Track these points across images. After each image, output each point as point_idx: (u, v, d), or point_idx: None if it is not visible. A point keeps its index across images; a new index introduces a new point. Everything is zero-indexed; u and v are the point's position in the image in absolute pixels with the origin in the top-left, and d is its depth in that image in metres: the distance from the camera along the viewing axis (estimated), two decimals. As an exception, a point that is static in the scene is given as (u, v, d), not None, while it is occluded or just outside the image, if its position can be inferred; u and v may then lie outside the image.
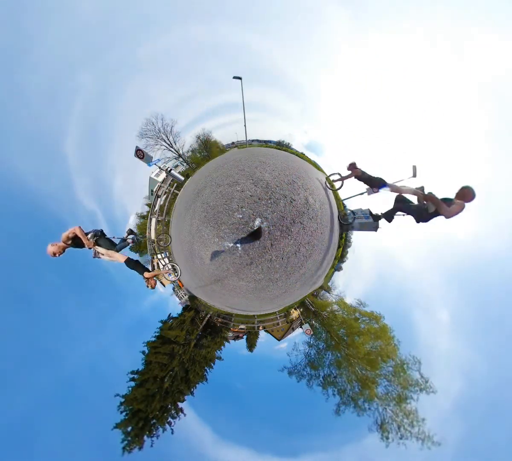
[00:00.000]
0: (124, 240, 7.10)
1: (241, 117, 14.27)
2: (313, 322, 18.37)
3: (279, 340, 25.53)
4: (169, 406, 15.43)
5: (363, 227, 13.23)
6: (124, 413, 14.50)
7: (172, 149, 22.49)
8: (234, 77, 12.94)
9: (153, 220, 17.05)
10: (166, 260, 17.31)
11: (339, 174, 8.89)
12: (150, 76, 40.08)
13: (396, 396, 15.14)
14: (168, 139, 22.15)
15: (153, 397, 14.68)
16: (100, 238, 5.46)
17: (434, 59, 34.38)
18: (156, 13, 37.28)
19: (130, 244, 7.20)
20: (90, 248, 5.08)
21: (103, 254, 5.12)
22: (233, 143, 23.28)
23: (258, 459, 24.59)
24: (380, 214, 6.95)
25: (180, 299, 22.22)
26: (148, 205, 24.78)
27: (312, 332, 17.12)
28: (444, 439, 14.30)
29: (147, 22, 36.87)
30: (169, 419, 15.37)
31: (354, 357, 16.05)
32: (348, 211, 10.98)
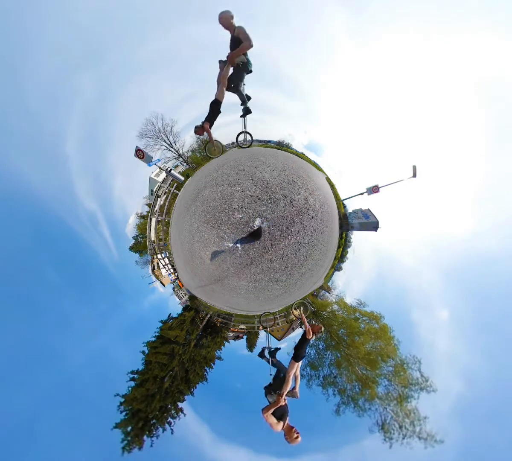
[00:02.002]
0: (243, 96, 6.12)
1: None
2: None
3: (279, 340, 25.54)
4: (169, 406, 15.42)
5: (363, 227, 13.25)
6: (124, 413, 14.50)
7: (172, 149, 22.49)
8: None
9: (153, 220, 17.06)
10: (166, 260, 17.33)
11: (307, 309, 8.69)
12: (150, 76, 40.09)
13: (397, 395, 15.15)
14: (168, 139, 22.15)
15: (153, 397, 14.67)
16: (242, 69, 5.02)
17: (434, 59, 34.39)
18: (156, 13, 37.30)
19: (243, 105, 6.14)
20: (227, 58, 4.72)
21: (221, 71, 4.71)
22: (233, 143, 23.26)
23: (256, 459, 24.61)
24: (272, 349, 7.69)
25: (180, 299, 22.25)
26: (148, 205, 24.79)
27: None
28: (446, 436, 14.32)
29: (147, 22, 36.89)
30: (169, 419, 15.37)
31: (354, 357, 16.06)
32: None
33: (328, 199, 10.82)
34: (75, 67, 33.89)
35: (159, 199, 16.79)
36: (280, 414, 4.40)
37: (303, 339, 5.85)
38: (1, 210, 30.32)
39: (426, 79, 35.94)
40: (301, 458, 23.73)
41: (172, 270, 18.08)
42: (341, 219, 12.51)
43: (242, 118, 6.50)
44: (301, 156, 18.28)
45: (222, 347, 19.38)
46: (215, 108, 4.84)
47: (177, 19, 38.21)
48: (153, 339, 16.76)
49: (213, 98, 4.78)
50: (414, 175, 13.27)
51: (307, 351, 5.86)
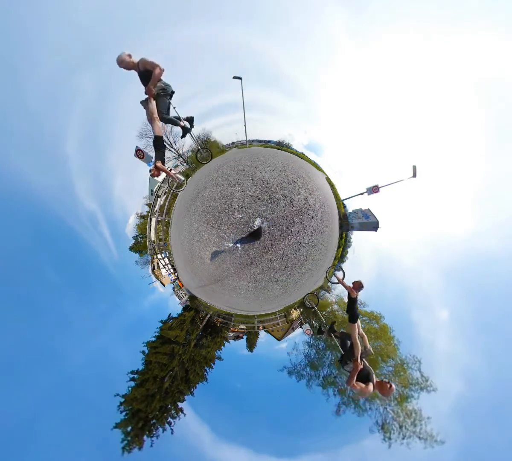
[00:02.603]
0: (178, 118, 6.00)
1: (241, 117, 14.26)
2: (313, 322, 18.37)
3: (279, 340, 25.53)
4: (169, 406, 15.43)
5: (363, 227, 13.26)
6: (124, 413, 14.50)
7: (172, 149, 22.48)
8: (234, 77, 12.93)
9: (153, 220, 17.07)
10: (166, 260, 17.32)
11: (341, 275, 7.82)
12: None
13: (397, 395, 15.15)
14: (168, 139, 22.13)
15: (153, 397, 14.67)
16: (164, 96, 4.85)
17: (434, 59, 34.41)
18: (155, 13, 37.29)
19: (179, 125, 6.05)
20: (146, 94, 4.59)
21: (148, 109, 4.59)
22: (233, 143, 23.27)
23: (256, 459, 24.61)
24: (327, 326, 7.37)
25: (180, 299, 22.22)
26: (148, 205, 24.79)
27: (312, 332, 17.13)
28: (447, 437, 14.32)
29: (146, 22, 36.89)
30: (169, 419, 15.37)
31: (354, 357, 16.05)
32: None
33: (328, 199, 10.82)
34: (75, 67, 33.90)
35: (159, 199, 16.79)
36: (365, 377, 4.39)
37: (350, 300, 6.04)
38: (1, 210, 30.34)
39: (426, 79, 35.97)
40: (301, 458, 23.74)
41: (172, 270, 18.08)
42: (341, 219, 12.51)
43: (191, 136, 6.51)
44: (301, 156, 18.27)
45: (222, 347, 19.38)
46: (159, 144, 4.75)
47: (178, 19, 38.21)
48: (153, 339, 16.77)
49: (154, 137, 4.68)
50: (414, 175, 13.27)
51: (356, 310, 6.02)
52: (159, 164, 4.73)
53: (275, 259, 8.19)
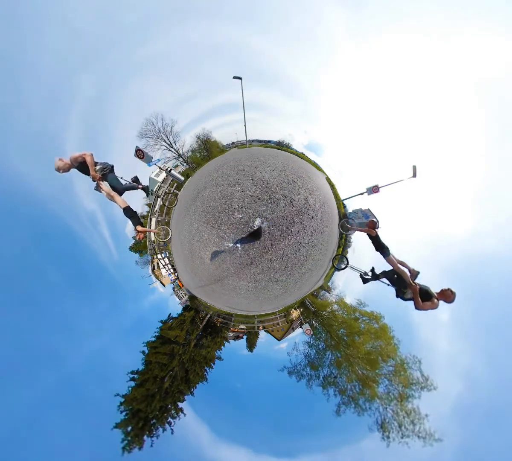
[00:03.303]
0: (133, 182, 6.34)
1: (241, 117, 14.25)
2: (313, 322, 18.37)
3: (279, 340, 25.52)
4: (169, 406, 15.43)
5: (363, 227, 13.23)
6: (124, 413, 14.50)
7: (172, 149, 22.49)
8: (234, 77, 12.93)
9: (153, 220, 17.07)
10: (166, 260, 17.33)
11: (353, 222, 8.71)
12: (150, 76, 40.07)
13: (397, 395, 15.16)
14: (168, 139, 22.15)
15: (153, 397, 14.67)
16: (108, 173, 5.17)
17: (434, 59, 34.40)
18: (155, 13, 37.28)
19: (139, 188, 6.39)
20: (94, 181, 4.88)
21: (103, 191, 4.90)
22: (233, 143, 23.28)
23: (255, 459, 24.61)
24: (369, 273, 7.37)
25: (180, 299, 22.24)
26: (148, 205, 24.78)
27: (312, 332, 17.13)
28: (445, 435, 14.33)
29: (146, 23, 36.89)
30: (169, 419, 15.37)
31: (354, 357, 16.06)
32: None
33: (328, 199, 10.82)
34: (75, 68, 33.91)
35: (159, 199, 16.79)
36: (426, 294, 4.68)
37: (373, 239, 6.11)
38: (1, 210, 30.33)
39: (426, 78, 35.96)
40: (300, 458, 23.74)
41: (172, 270, 18.09)
42: (341, 219, 12.51)
43: (149, 197, 6.81)
44: (301, 156, 18.29)
45: (222, 347, 19.38)
46: (131, 213, 5.08)
47: (178, 19, 38.20)
48: (153, 339, 16.77)
49: (122, 209, 5.01)
50: (414, 175, 13.25)
51: (383, 244, 6.12)
52: (139, 228, 5.11)
53: (275, 259, 8.20)
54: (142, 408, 14.26)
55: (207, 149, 22.88)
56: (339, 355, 16.73)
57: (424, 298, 4.61)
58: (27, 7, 31.15)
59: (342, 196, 15.99)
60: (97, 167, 4.95)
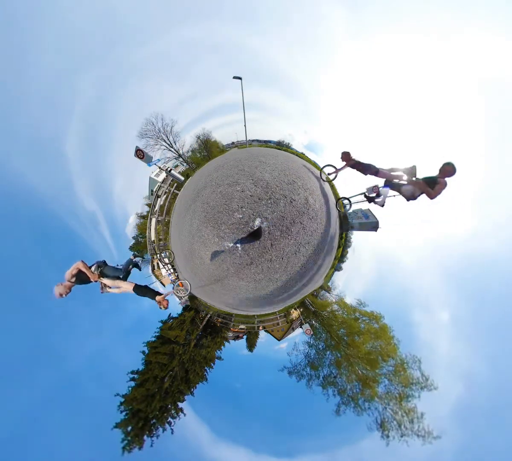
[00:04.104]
0: (127, 264, 6.36)
1: (241, 117, 14.28)
2: (313, 322, 18.37)
3: (279, 340, 25.54)
4: (169, 406, 15.43)
5: (363, 227, 13.23)
6: (124, 413, 14.51)
7: (172, 149, 22.49)
8: (234, 77, 12.94)
9: (153, 220, 17.07)
10: (166, 260, 17.30)
11: (333, 166, 8.85)
12: (150, 76, 40.08)
13: (397, 395, 15.16)
14: (168, 139, 22.15)
15: (153, 397, 14.68)
16: (104, 268, 5.30)
17: (434, 59, 34.39)
18: (155, 13, 37.27)
19: (136, 263, 6.51)
20: (96, 281, 4.97)
21: (110, 287, 5.04)
22: (233, 143, 23.29)
23: (255, 459, 24.61)
24: (372, 192, 7.45)
25: (180, 299, 22.22)
26: (148, 205, 24.79)
27: (312, 332, 17.13)
28: (444, 434, 14.33)
29: (146, 23, 36.88)
30: (169, 419, 15.38)
31: (354, 356, 16.06)
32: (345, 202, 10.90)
33: (328, 199, 10.80)
34: (76, 68, 33.90)
35: (159, 199, 16.79)
36: (431, 184, 4.78)
37: (356, 166, 6.37)
38: (2, 210, 30.34)
39: (426, 78, 35.97)
40: (300, 458, 23.75)
41: (172, 270, 18.09)
42: (341, 219, 12.50)
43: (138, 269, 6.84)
44: (301, 156, 18.28)
45: (222, 347, 19.39)
46: (143, 291, 5.34)
47: (177, 19, 38.19)
48: (153, 339, 16.78)
49: (134, 292, 5.26)
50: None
51: (366, 165, 6.34)
52: (158, 298, 5.39)
53: (275, 259, 8.20)
54: (142, 408, 14.26)
55: (207, 149, 22.90)
56: (339, 355, 16.74)
57: (431, 186, 4.74)
58: (27, 7, 31.15)
59: (341, 196, 15.97)
60: (92, 268, 5.05)
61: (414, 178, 5.02)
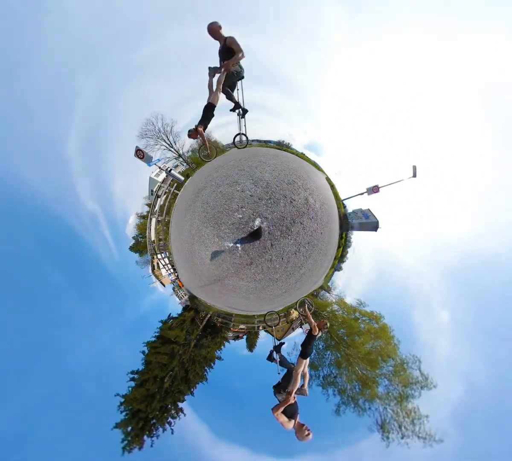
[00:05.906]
0: (237, 101, 6.32)
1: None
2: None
3: (279, 340, 25.51)
4: (169, 406, 15.42)
5: (363, 227, 13.25)
6: (124, 413, 14.50)
7: (172, 149, 22.46)
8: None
9: (153, 220, 17.07)
10: (166, 260, 17.32)
11: (310, 305, 8.26)
12: (150, 77, 40.08)
13: (397, 395, 15.14)
14: (168, 139, 22.12)
15: (153, 397, 14.67)
16: (235, 77, 5.48)
17: (434, 59, 34.40)
18: (155, 13, 37.28)
19: (236, 101, 6.35)
20: (222, 67, 4.96)
21: (215, 77, 4.99)
22: (233, 143, 23.21)
23: (255, 459, 24.61)
24: (273, 347, 7.79)
25: (180, 299, 22.21)
26: (148, 205, 24.78)
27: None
28: (446, 436, 14.26)
29: (145, 23, 36.89)
30: (169, 419, 15.37)
31: (354, 356, 16.05)
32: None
33: (328, 199, 10.81)
34: (76, 69, 33.91)
35: (159, 199, 16.80)
36: (291, 413, 4.37)
37: (310, 336, 5.86)
38: (3, 211, 30.35)
39: (427, 78, 35.97)
40: (299, 459, 23.73)
41: (172, 270, 18.08)
42: (341, 219, 12.51)
43: (239, 120, 6.64)
44: (301, 156, 18.27)
45: (222, 347, 19.39)
46: (209, 112, 5.04)
47: (177, 19, 38.22)
48: (153, 339, 16.76)
49: (207, 102, 5.01)
50: (414, 175, 13.27)
51: (313, 348, 5.89)
52: (201, 128, 5.01)
53: (275, 259, 8.19)
54: (142, 408, 14.26)
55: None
56: (339, 355, 16.73)
57: (287, 414, 4.35)
58: (27, 8, 31.17)
59: (342, 196, 16.00)
60: (235, 67, 5.09)
61: (294, 395, 4.68)
